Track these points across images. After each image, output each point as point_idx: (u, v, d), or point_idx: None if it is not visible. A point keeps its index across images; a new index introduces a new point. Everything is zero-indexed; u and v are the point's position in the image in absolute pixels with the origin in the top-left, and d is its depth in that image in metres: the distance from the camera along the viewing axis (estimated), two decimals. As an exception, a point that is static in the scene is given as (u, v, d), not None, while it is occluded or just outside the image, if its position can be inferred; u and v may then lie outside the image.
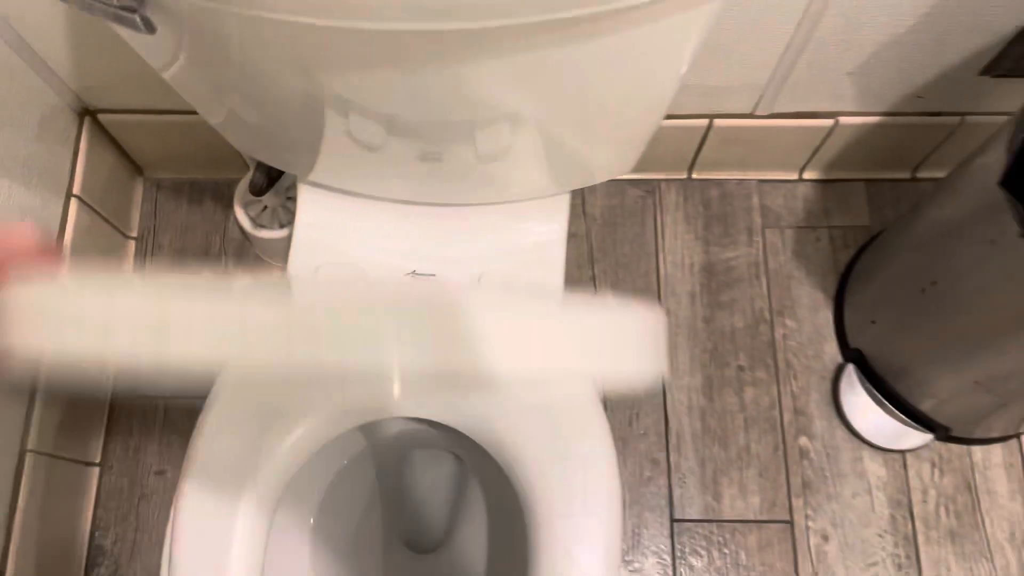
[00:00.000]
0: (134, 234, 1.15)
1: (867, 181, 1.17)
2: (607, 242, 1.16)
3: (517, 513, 0.84)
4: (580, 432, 0.69)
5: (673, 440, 1.07)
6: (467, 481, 0.88)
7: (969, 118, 1.00)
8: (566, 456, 0.70)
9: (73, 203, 0.99)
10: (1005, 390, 0.86)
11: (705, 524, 1.04)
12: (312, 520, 0.77)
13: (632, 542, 1.03)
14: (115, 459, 1.06)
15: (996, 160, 0.70)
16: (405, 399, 0.70)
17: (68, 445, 0.99)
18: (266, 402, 0.68)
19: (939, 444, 1.06)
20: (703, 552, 1.02)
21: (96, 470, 1.05)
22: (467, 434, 0.70)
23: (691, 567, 1.02)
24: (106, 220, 1.08)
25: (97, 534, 1.03)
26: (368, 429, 0.83)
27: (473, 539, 0.87)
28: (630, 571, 1.02)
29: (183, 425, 1.06)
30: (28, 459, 0.90)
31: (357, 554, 0.82)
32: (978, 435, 1.03)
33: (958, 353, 0.87)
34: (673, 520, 1.04)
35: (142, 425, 1.07)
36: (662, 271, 1.14)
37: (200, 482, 0.63)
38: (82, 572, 1.01)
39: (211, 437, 0.66)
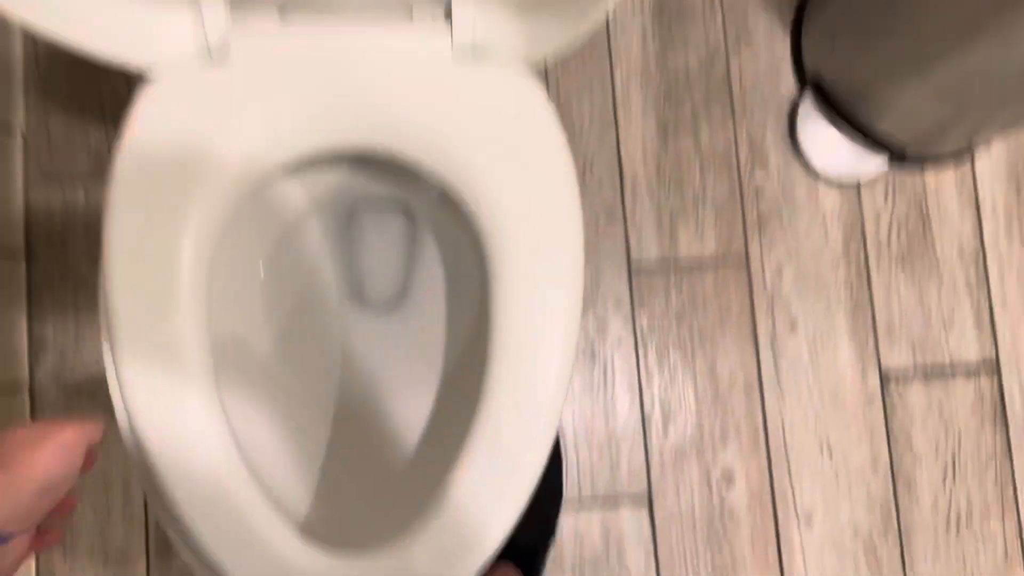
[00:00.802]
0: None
1: None
2: (549, -20, 1.05)
3: (475, 264, 0.81)
4: (541, 158, 0.65)
5: (628, 188, 1.04)
6: (421, 240, 0.84)
7: None
8: (528, 191, 0.65)
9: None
10: (967, 96, 0.83)
11: (662, 268, 1.03)
12: (262, 274, 0.73)
13: (591, 293, 1.03)
14: (41, 250, 0.99)
15: None
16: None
17: (-17, 236, 0.91)
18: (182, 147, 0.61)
19: (892, 173, 1.05)
20: (661, 295, 1.03)
21: (23, 265, 0.98)
22: (416, 164, 0.64)
23: (651, 311, 1.02)
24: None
25: (34, 324, 0.98)
26: (310, 185, 0.78)
27: (430, 297, 0.84)
28: (588, 321, 1.02)
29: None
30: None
31: (310, 311, 0.79)
32: (933, 152, 1.02)
33: (921, 61, 0.83)
34: (631, 268, 1.03)
35: (64, 214, 1.00)
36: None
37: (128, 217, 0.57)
38: (26, 366, 0.98)
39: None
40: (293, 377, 0.82)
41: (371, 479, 0.79)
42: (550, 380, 0.62)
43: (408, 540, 0.60)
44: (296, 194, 0.77)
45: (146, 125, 0.58)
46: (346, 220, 0.82)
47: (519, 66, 0.63)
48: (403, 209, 0.82)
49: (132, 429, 0.58)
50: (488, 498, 0.62)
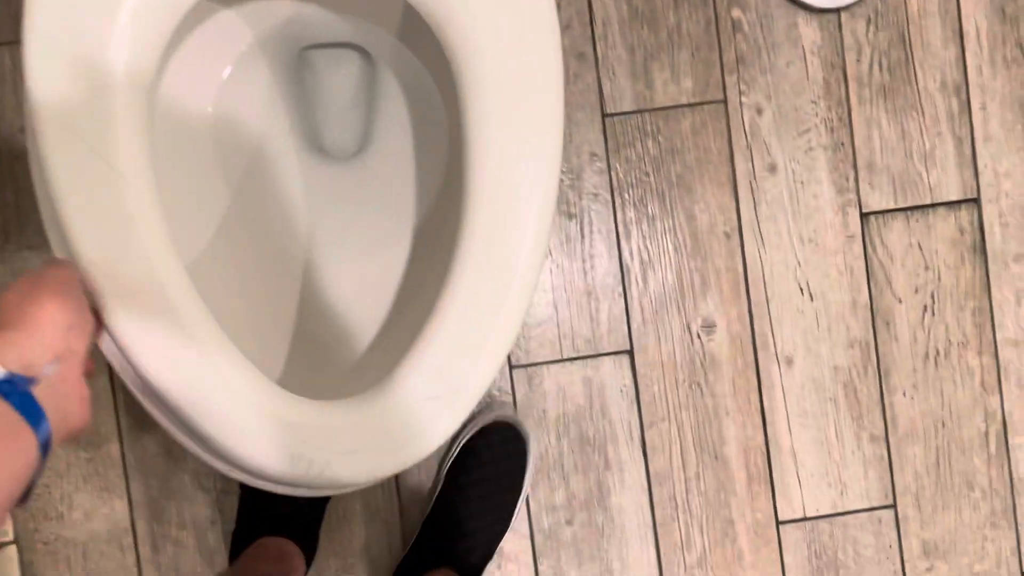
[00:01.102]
0: None
1: None
2: None
3: (442, 103, 0.76)
4: None
5: (599, 29, 0.98)
6: (380, 79, 0.78)
7: None
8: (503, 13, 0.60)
9: None
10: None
11: (637, 115, 0.98)
12: (211, 110, 0.68)
13: (563, 143, 0.98)
14: (-33, 123, 0.92)
15: None
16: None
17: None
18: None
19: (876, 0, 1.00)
20: (638, 143, 0.98)
21: (-52, 138, 0.91)
22: None
23: (627, 159, 0.98)
24: None
25: None
26: (252, 19, 0.71)
27: (395, 143, 0.79)
28: (563, 175, 0.98)
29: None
30: None
31: (266, 160, 0.74)
32: (917, -18, 0.97)
33: None
34: (604, 115, 0.98)
35: (-12, 81, 0.92)
36: None
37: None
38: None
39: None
40: (255, 238, 0.77)
41: (342, 342, 0.76)
42: (527, 238, 0.59)
43: (385, 387, 0.58)
44: (238, 30, 0.71)
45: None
46: (296, 61, 0.76)
47: None
48: (358, 46, 0.75)
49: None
50: (471, 341, 0.60)
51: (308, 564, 0.89)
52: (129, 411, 0.94)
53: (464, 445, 0.93)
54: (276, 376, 0.69)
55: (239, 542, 0.89)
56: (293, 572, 0.85)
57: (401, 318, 0.74)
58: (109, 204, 0.53)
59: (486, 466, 0.91)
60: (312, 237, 0.78)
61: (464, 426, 0.93)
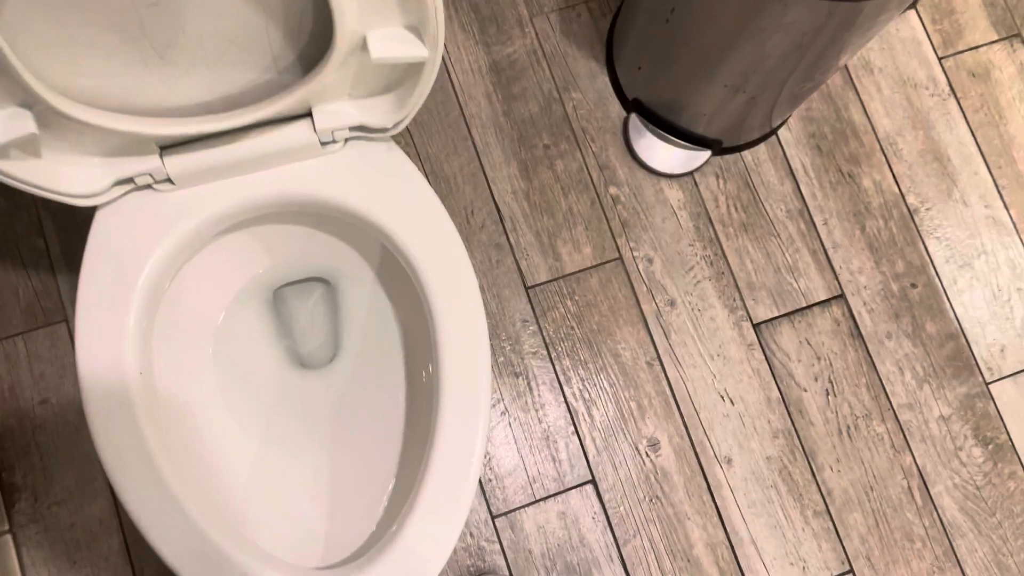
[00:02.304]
0: (-79, 188, 1.11)
1: (607, -46, 1.30)
2: (398, 68, 1.23)
3: (389, 310, 0.94)
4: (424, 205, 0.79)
5: (508, 223, 1.21)
6: (340, 301, 0.97)
7: None
8: (424, 230, 0.79)
9: None
10: (751, 85, 1.04)
11: (554, 282, 1.19)
12: (211, 350, 0.85)
13: (500, 317, 1.17)
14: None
15: None
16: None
17: (-61, 400, 0.98)
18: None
19: (717, 159, 1.25)
20: (559, 305, 1.19)
21: (-23, 419, 1.05)
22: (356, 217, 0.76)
23: (552, 320, 1.18)
24: None
25: (4, 474, 1.05)
26: (235, 275, 0.90)
27: (360, 346, 0.97)
28: (502, 343, 1.17)
29: (48, 353, 1.08)
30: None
31: (258, 376, 0.90)
32: (743, 140, 1.23)
33: (705, 68, 1.03)
34: (527, 288, 1.19)
35: (7, 366, 1.08)
36: (456, 82, 1.24)
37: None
38: (3, 512, 1.04)
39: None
40: (268, 447, 0.92)
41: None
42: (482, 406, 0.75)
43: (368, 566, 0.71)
44: (226, 288, 0.90)
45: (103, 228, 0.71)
46: (272, 299, 0.95)
47: (383, 139, 0.78)
48: (320, 278, 0.95)
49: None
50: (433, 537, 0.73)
51: None
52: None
53: None
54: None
55: None
56: None
57: (389, 484, 0.88)
58: (135, 457, 0.69)
59: None
60: (303, 434, 0.93)
61: None
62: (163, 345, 0.76)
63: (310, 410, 0.92)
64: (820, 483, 1.17)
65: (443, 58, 1.23)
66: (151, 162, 0.69)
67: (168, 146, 0.70)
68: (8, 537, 1.03)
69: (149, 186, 0.72)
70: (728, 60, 1.00)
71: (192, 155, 0.70)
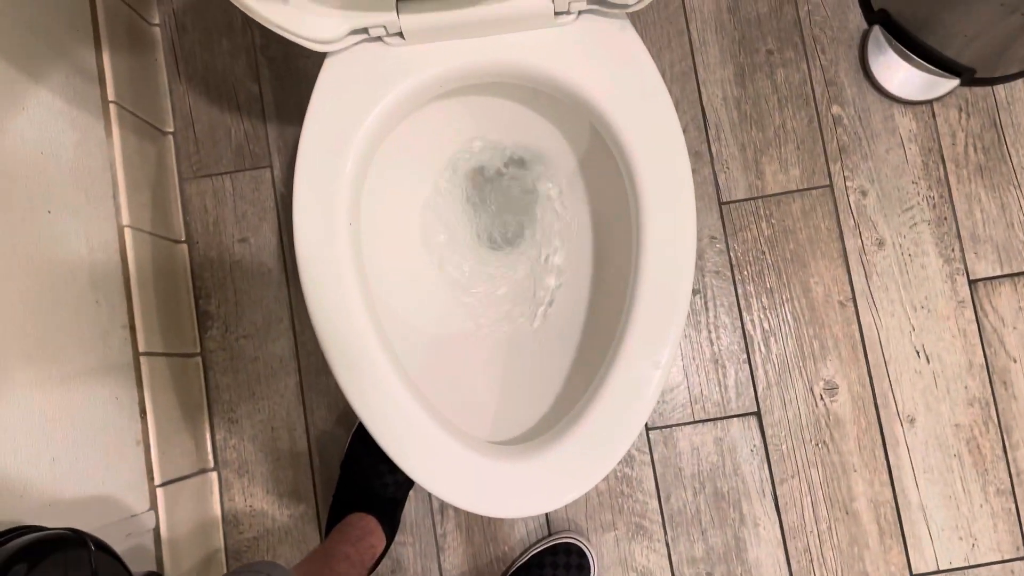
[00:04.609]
0: (156, 21, 1.16)
1: None
2: (623, -51, 1.15)
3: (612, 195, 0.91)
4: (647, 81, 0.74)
5: (712, 131, 1.13)
6: (537, 187, 0.95)
7: None
8: (647, 113, 0.73)
9: (97, -11, 1.00)
10: (1031, 6, 0.90)
11: (751, 201, 1.12)
12: (415, 215, 0.85)
13: (686, 229, 1.12)
14: (198, 236, 1.13)
15: None
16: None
17: (156, 223, 1.06)
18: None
19: (964, 90, 1.11)
20: (753, 226, 1.11)
21: (184, 247, 1.13)
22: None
23: (743, 241, 1.11)
24: (130, 6, 1.08)
25: (200, 301, 1.12)
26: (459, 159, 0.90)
27: (549, 238, 0.95)
28: (687, 257, 1.11)
29: (252, 195, 1.13)
30: (127, 233, 0.97)
31: (451, 246, 0.90)
32: (1000, 72, 1.08)
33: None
34: (721, 203, 1.12)
35: (215, 201, 1.14)
36: (681, -31, 1.15)
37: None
38: (197, 336, 1.12)
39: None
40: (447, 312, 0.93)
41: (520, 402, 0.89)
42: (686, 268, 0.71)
43: (563, 435, 0.71)
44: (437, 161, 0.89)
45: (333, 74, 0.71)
46: (471, 182, 0.94)
47: (618, 16, 0.73)
48: (521, 161, 0.92)
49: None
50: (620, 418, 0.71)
51: (389, 541, 1.00)
52: (323, 475, 1.10)
53: (533, 555, 1.03)
54: (481, 429, 0.83)
55: (333, 516, 1.02)
56: (371, 549, 0.95)
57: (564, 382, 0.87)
58: (337, 301, 0.70)
59: None
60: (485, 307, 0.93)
61: (538, 540, 1.05)
62: (372, 199, 0.77)
63: (492, 290, 0.92)
64: (1011, 461, 1.06)
65: (673, -58, 1.14)
66: (387, 16, 0.68)
67: (405, 0, 0.68)
68: (198, 359, 1.11)
69: (380, 38, 0.71)
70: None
71: (427, 12, 0.68)
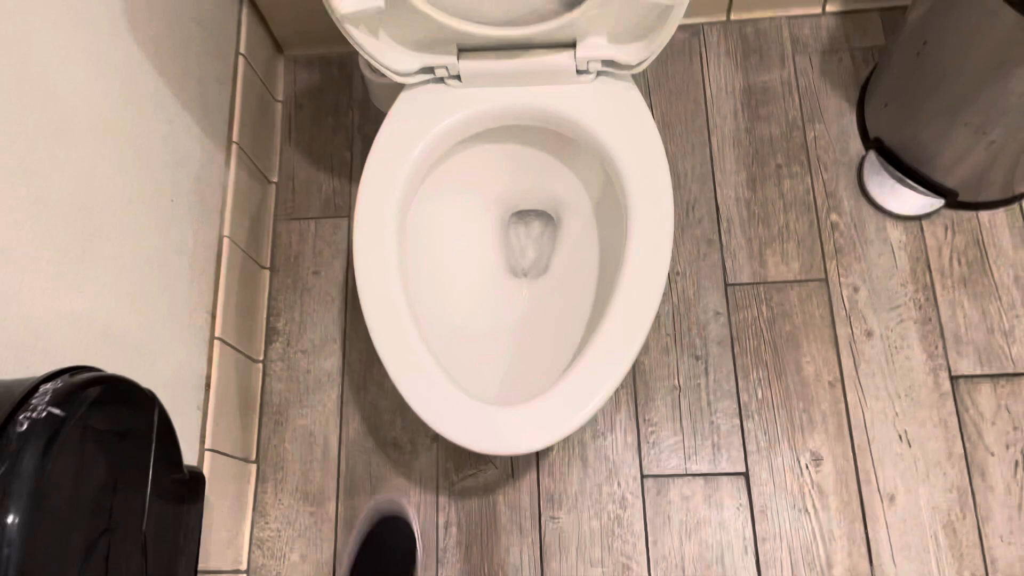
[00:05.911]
0: (280, 98, 1.45)
1: (882, 10, 1.38)
2: (661, 76, 1.40)
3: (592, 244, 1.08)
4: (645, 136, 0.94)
5: (724, 224, 1.30)
6: (558, 235, 1.14)
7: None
8: (642, 157, 0.93)
9: (240, 62, 1.29)
10: (995, 128, 1.06)
11: (754, 285, 1.27)
12: (455, 241, 1.05)
13: (692, 304, 1.27)
14: (280, 265, 1.35)
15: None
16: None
17: (249, 245, 1.28)
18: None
19: (950, 211, 1.26)
20: (753, 307, 1.25)
21: (267, 272, 1.34)
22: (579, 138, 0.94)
23: (744, 318, 1.25)
24: (262, 82, 1.37)
25: (271, 319, 1.32)
26: (487, 195, 1.10)
27: (564, 274, 1.12)
28: (690, 326, 1.26)
29: (330, 237, 1.35)
30: (225, 243, 1.19)
31: (479, 279, 1.08)
32: (983, 198, 1.23)
33: (952, 99, 1.08)
34: (727, 284, 1.27)
35: (299, 239, 1.36)
36: (708, 95, 1.38)
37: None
38: (263, 346, 1.31)
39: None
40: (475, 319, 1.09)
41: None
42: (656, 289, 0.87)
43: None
44: (476, 199, 1.10)
45: (404, 105, 0.94)
46: (505, 219, 1.14)
47: (624, 77, 0.94)
48: (543, 212, 1.12)
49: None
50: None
51: None
52: (347, 480, 1.23)
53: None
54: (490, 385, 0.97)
55: None
56: None
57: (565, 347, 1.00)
58: (387, 301, 0.88)
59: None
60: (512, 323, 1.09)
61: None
62: (423, 213, 0.97)
63: (510, 307, 1.08)
64: (986, 549, 1.11)
65: (700, 74, 1.38)
66: (449, 58, 0.91)
67: (464, 49, 0.91)
68: (260, 365, 1.29)
69: (442, 80, 0.94)
70: (974, 97, 1.04)
71: (482, 59, 0.91)
